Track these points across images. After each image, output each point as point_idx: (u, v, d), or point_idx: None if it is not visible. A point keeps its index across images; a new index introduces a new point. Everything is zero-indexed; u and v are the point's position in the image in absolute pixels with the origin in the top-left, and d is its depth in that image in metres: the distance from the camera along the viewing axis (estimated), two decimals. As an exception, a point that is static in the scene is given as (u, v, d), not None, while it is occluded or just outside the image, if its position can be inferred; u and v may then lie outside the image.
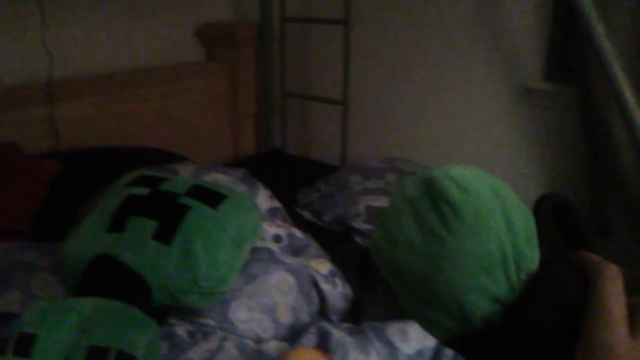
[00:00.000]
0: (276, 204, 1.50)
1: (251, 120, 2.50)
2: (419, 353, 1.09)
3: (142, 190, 1.10)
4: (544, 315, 0.38)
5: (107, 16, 1.98)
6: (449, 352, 1.13)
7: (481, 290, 0.39)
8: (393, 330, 1.11)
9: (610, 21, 1.64)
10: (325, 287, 1.24)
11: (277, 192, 1.69)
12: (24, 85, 1.75)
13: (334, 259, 1.42)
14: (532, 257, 0.40)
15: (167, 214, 1.05)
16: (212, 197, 1.12)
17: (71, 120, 1.84)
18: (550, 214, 0.44)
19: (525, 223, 0.41)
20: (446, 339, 0.42)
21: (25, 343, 0.81)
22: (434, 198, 0.42)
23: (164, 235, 1.01)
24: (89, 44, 1.95)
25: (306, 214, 1.77)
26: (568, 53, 1.93)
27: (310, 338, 1.07)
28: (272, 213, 1.45)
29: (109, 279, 0.99)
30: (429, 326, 0.43)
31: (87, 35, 1.93)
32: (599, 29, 1.55)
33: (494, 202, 0.41)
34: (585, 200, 1.92)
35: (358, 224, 1.64)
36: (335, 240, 1.60)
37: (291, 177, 2.10)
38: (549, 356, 0.38)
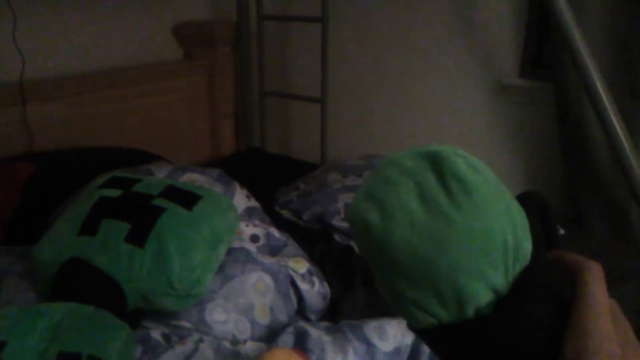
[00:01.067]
0: (254, 203, 1.49)
1: (230, 120, 2.49)
2: (397, 351, 1.09)
3: (115, 192, 1.09)
4: (537, 308, 0.37)
5: (81, 15, 1.95)
6: (426, 349, 1.13)
7: (481, 276, 0.37)
8: (371, 328, 1.11)
9: (584, 14, 1.66)
10: (303, 286, 1.23)
11: (257, 191, 1.68)
12: (-5, 86, 1.72)
13: (312, 258, 1.41)
14: (528, 250, 0.39)
15: (140, 216, 1.03)
16: (187, 198, 1.11)
17: (45, 121, 1.81)
18: (537, 212, 0.43)
19: (521, 216, 0.40)
20: (425, 328, 0.39)
21: (-6, 350, 0.79)
22: (442, 173, 0.39)
23: (137, 238, 1.00)
24: (63, 44, 1.92)
25: (285, 213, 1.77)
26: (543, 50, 1.95)
27: (287, 338, 1.07)
28: (249, 213, 1.44)
29: (81, 283, 0.97)
30: (412, 311, 0.39)
31: (60, 35, 1.90)
32: (572, 28, 1.56)
33: (499, 188, 0.40)
34: (561, 195, 1.94)
35: (337, 222, 1.64)
36: (314, 239, 1.60)
37: (271, 175, 2.09)
38: (536, 350, 0.37)
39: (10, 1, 1.69)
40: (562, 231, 1.68)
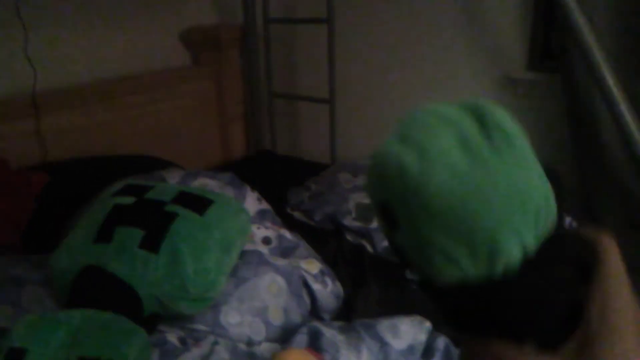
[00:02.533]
0: (265, 206, 1.51)
1: (240, 123, 2.51)
2: (410, 348, 1.10)
3: (128, 200, 1.11)
4: (564, 270, 0.37)
5: (90, 25, 1.98)
6: (440, 346, 1.13)
7: (517, 233, 0.36)
8: (384, 326, 1.12)
9: (590, 6, 1.65)
10: (316, 286, 1.24)
11: (268, 193, 1.70)
12: (9, 99, 1.75)
13: (324, 258, 1.42)
14: (555, 216, 0.39)
15: (153, 223, 1.05)
16: (199, 203, 1.13)
17: (58, 131, 1.84)
18: (555, 184, 0.43)
19: (548, 182, 0.40)
20: (444, 285, 0.38)
21: (15, 357, 0.81)
22: (484, 122, 0.38)
23: (151, 244, 1.02)
24: (73, 54, 1.95)
25: (297, 214, 1.78)
26: (550, 42, 1.94)
27: (301, 338, 1.08)
28: (261, 215, 1.46)
29: (98, 290, 0.99)
30: (438, 262, 0.37)
31: (70, 46, 1.93)
32: (579, 18, 1.55)
33: (533, 151, 0.40)
34: (573, 189, 1.93)
35: (348, 221, 1.65)
36: (326, 239, 1.61)
37: (281, 177, 2.10)
38: (558, 314, 0.37)
39: (21, 14, 1.72)
40: (574, 224, 1.67)
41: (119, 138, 2.02)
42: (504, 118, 0.39)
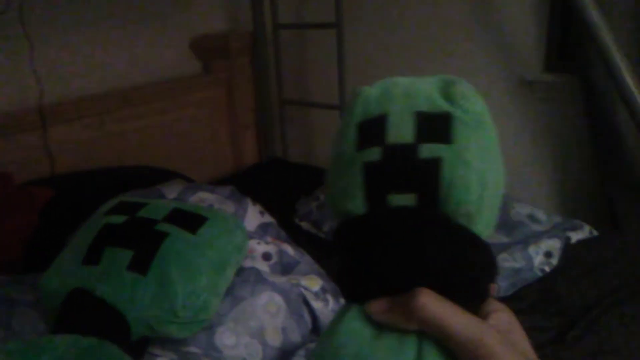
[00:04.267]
0: (268, 219, 1.47)
1: (251, 130, 2.48)
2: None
3: (120, 219, 1.08)
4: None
5: (98, 36, 1.97)
6: None
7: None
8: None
9: (608, 6, 1.57)
10: (317, 304, 1.20)
11: (278, 202, 1.66)
12: (16, 112, 1.75)
13: (330, 272, 1.38)
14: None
15: (143, 243, 1.02)
16: (192, 221, 1.09)
17: (66, 144, 1.84)
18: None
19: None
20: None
21: (-6, 388, 0.79)
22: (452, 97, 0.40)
23: (140, 265, 0.99)
24: (80, 66, 1.94)
25: (305, 225, 1.74)
26: (568, 42, 1.85)
27: (298, 361, 1.03)
28: (263, 229, 1.42)
29: (84, 314, 0.96)
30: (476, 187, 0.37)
31: (77, 57, 1.93)
32: (595, 15, 1.48)
33: None
34: (594, 194, 1.85)
35: (356, 233, 1.59)
36: (334, 251, 1.56)
37: (292, 186, 2.07)
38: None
39: (27, 28, 1.72)
40: (595, 232, 1.59)
41: (129, 149, 2.01)
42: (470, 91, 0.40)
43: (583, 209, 1.88)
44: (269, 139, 2.48)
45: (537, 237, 1.51)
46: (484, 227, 0.37)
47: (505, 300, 1.36)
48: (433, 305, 0.34)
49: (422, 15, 2.07)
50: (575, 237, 1.53)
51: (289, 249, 1.33)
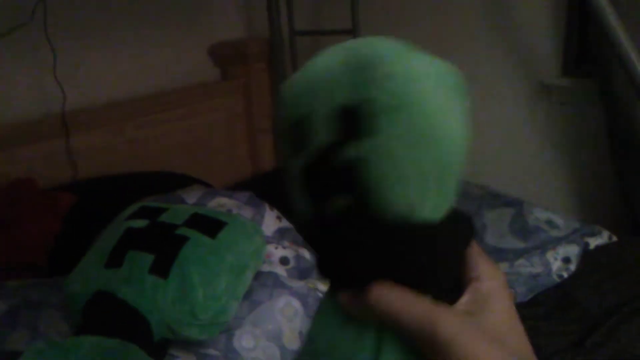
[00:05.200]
0: (285, 224, 1.48)
1: (269, 136, 2.50)
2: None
3: (141, 223, 1.11)
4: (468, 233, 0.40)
5: (118, 44, 2.01)
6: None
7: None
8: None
9: (626, 9, 1.56)
10: (334, 309, 1.21)
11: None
12: (39, 120, 1.79)
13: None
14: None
15: (164, 247, 1.04)
16: (211, 226, 1.11)
17: (88, 151, 1.87)
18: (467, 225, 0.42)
19: None
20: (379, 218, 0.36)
21: (21, 388, 0.82)
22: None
23: (161, 269, 1.01)
24: (101, 73, 1.98)
25: (322, 230, 1.75)
26: (586, 45, 1.84)
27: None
28: (280, 234, 1.43)
29: (107, 316, 0.99)
30: (401, 192, 0.36)
31: (98, 65, 1.97)
32: (611, 16, 1.47)
33: None
34: (614, 200, 1.83)
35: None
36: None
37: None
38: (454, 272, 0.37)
39: (49, 36, 1.76)
40: (614, 238, 1.58)
41: (149, 155, 2.04)
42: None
43: (602, 214, 1.87)
44: (286, 144, 2.50)
45: (555, 242, 1.51)
46: (432, 211, 0.35)
47: (523, 305, 1.36)
48: (386, 298, 0.34)
49: (437, 21, 2.07)
50: (594, 242, 1.52)
51: (307, 254, 1.34)
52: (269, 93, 2.44)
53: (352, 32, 2.08)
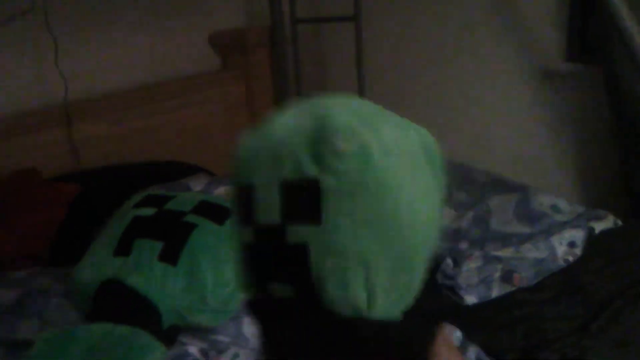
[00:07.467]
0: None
1: (270, 124, 2.49)
2: None
3: (149, 211, 1.11)
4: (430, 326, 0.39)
5: (119, 34, 2.00)
6: (471, 356, 1.08)
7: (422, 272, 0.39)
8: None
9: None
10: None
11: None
12: (41, 110, 1.78)
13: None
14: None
15: (172, 234, 1.04)
16: (219, 213, 1.11)
17: (90, 140, 1.87)
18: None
19: None
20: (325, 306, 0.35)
21: (34, 375, 0.82)
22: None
23: (170, 256, 1.01)
24: (103, 63, 1.97)
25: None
26: (589, 32, 1.84)
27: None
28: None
29: (117, 304, 0.99)
30: (350, 280, 0.35)
31: (99, 54, 1.96)
32: (619, 6, 1.46)
33: None
34: (618, 187, 1.83)
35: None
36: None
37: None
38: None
39: (50, 27, 1.75)
40: (619, 222, 1.58)
41: (150, 144, 2.03)
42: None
43: (606, 199, 1.87)
44: (288, 133, 2.50)
45: (560, 227, 1.51)
46: (387, 310, 0.32)
47: (528, 290, 1.36)
48: None
49: (441, 6, 2.06)
50: (599, 227, 1.53)
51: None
52: (270, 81, 2.43)
53: (354, 19, 2.06)
